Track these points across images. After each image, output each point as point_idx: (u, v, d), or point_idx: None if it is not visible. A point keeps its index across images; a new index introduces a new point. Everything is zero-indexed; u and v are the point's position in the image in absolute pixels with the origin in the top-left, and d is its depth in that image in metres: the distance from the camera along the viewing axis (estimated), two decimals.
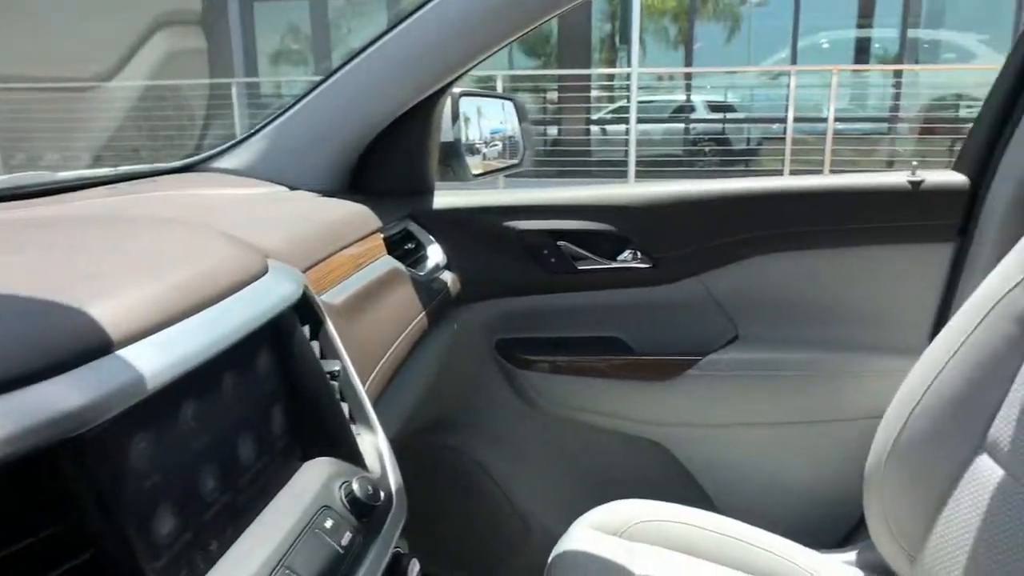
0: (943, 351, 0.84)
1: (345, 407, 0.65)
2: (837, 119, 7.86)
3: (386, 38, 1.04)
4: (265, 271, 0.61)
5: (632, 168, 8.08)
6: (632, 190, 1.26)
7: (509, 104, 1.38)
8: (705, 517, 1.01)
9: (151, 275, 0.52)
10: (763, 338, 1.26)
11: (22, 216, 0.76)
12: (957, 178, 1.19)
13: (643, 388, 1.28)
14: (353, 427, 0.65)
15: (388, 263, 0.98)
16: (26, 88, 8.02)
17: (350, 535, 0.54)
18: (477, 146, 1.27)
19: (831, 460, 1.27)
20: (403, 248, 1.11)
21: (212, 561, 0.47)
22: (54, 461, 0.38)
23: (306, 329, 0.65)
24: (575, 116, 9.66)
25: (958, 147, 1.27)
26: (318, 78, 1.10)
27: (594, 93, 9.75)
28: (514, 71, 10.34)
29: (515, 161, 1.36)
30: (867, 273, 1.22)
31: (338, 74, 1.07)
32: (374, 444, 0.65)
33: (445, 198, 1.26)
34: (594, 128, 9.83)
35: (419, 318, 1.02)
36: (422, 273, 1.10)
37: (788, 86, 7.82)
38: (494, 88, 7.58)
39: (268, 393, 0.59)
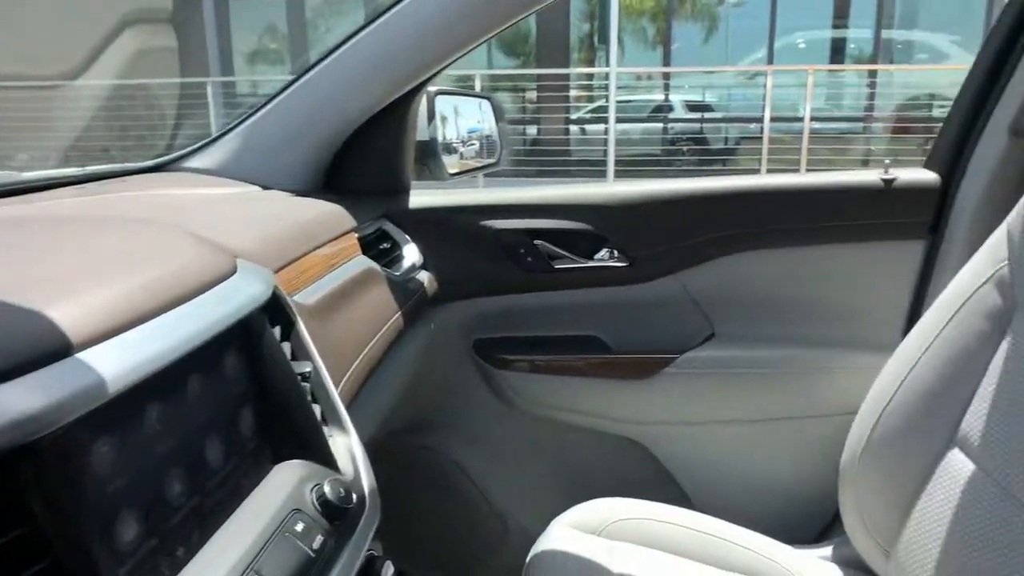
0: (915, 347, 0.85)
1: (317, 409, 0.64)
2: (813, 118, 7.95)
3: (360, 35, 1.03)
4: (234, 271, 0.60)
5: (611, 167, 8.11)
6: (608, 189, 1.27)
7: (486, 103, 1.37)
8: (683, 515, 1.01)
9: (114, 276, 0.51)
10: (739, 336, 1.26)
11: None
12: (928, 176, 1.21)
13: (621, 387, 1.28)
14: (325, 429, 0.64)
15: (363, 263, 0.97)
16: None
17: (321, 538, 0.53)
18: (455, 145, 1.26)
19: (807, 456, 1.28)
20: (378, 248, 1.10)
21: (179, 567, 0.46)
22: (11, 466, 0.37)
23: (277, 330, 0.64)
24: (554, 116, 9.68)
25: (930, 146, 1.28)
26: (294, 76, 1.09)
27: (573, 93, 9.78)
28: (493, 70, 10.34)
29: (492, 160, 1.35)
30: (841, 270, 1.23)
31: (312, 72, 1.06)
32: (347, 446, 0.65)
33: (421, 197, 1.25)
34: (573, 128, 9.85)
35: (395, 318, 1.02)
36: (398, 273, 1.09)
37: (765, 86, 7.90)
38: (473, 87, 7.57)
39: (237, 395, 0.58)
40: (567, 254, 1.25)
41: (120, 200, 0.89)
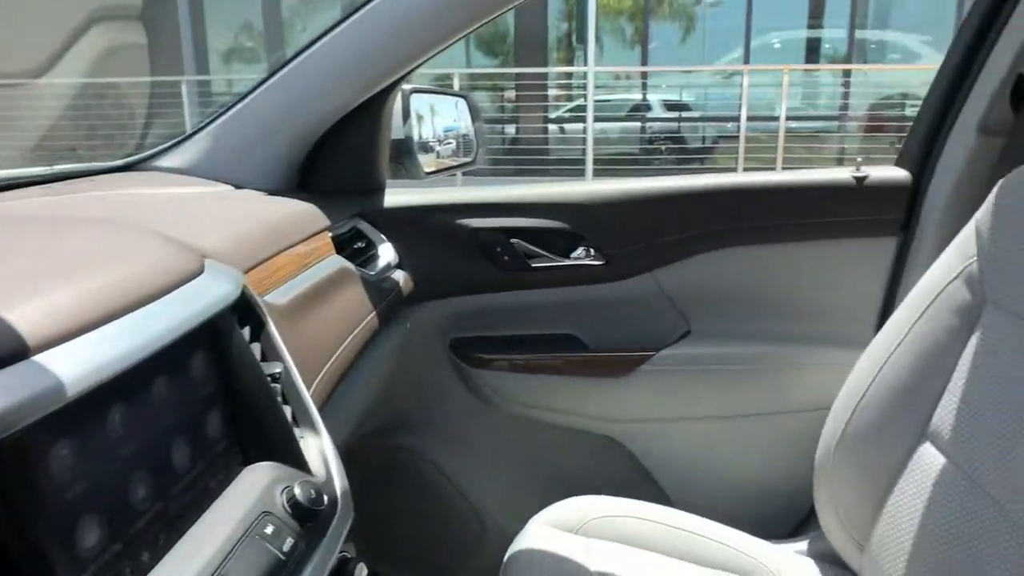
0: (887, 343, 0.86)
1: (288, 410, 0.64)
2: (789, 117, 8.03)
3: (334, 32, 1.02)
4: (201, 271, 0.59)
5: (590, 166, 8.14)
6: (584, 187, 1.27)
7: (462, 102, 1.37)
8: (660, 512, 1.01)
9: (76, 276, 0.49)
10: (715, 333, 1.27)
11: None
12: (900, 174, 1.22)
13: (598, 384, 1.28)
14: (297, 430, 0.63)
15: (336, 262, 0.96)
16: None
17: (292, 541, 0.52)
18: (431, 144, 1.25)
19: (783, 452, 1.29)
20: (353, 247, 1.09)
21: (143, 572, 0.45)
22: None
23: (247, 331, 0.63)
24: (533, 114, 9.69)
25: (902, 144, 1.30)
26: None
27: (552, 92, 9.79)
28: (472, 69, 10.33)
29: (468, 159, 1.35)
30: (814, 267, 1.24)
31: (285, 69, 1.05)
32: (319, 447, 0.64)
33: (396, 196, 1.24)
34: (552, 127, 9.87)
35: (369, 318, 1.01)
36: (373, 272, 1.09)
37: (741, 85, 7.97)
38: (452, 86, 7.55)
39: (205, 397, 0.57)
40: (543, 253, 1.25)
41: (86, 200, 0.87)
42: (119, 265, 0.53)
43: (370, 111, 1.10)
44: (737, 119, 8.08)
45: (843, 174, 1.22)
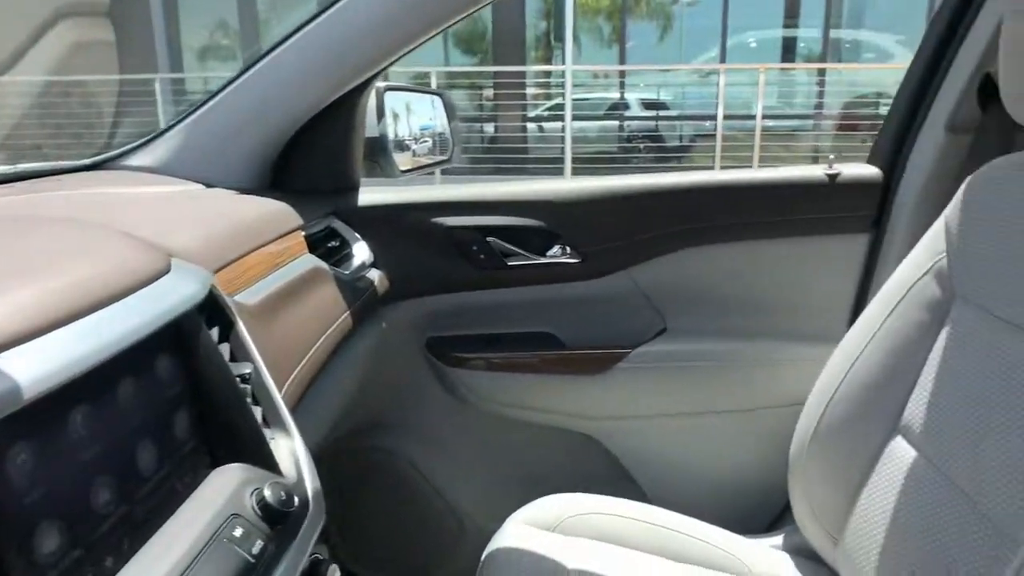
0: (859, 339, 0.87)
1: (259, 411, 0.63)
2: (765, 116, 8.10)
3: (307, 28, 1.01)
4: (167, 271, 0.58)
5: (568, 165, 8.15)
6: (560, 186, 1.27)
7: (438, 100, 1.36)
8: (637, 508, 1.02)
9: (36, 276, 0.48)
10: (690, 330, 1.28)
11: None
12: (871, 171, 1.23)
13: (574, 382, 1.28)
14: (267, 431, 0.62)
15: (309, 261, 0.95)
16: None
17: (262, 543, 0.52)
18: (406, 142, 1.24)
19: (758, 448, 1.30)
20: (327, 246, 1.08)
21: None
22: None
23: (215, 331, 0.62)
24: (511, 113, 9.68)
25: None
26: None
27: (530, 90, 9.78)
28: (450, 67, 10.29)
29: (444, 157, 1.34)
30: (788, 264, 1.25)
31: (257, 66, 1.03)
32: (290, 448, 0.63)
33: (371, 195, 1.23)
34: (530, 125, 9.87)
35: (343, 318, 1.00)
36: (347, 272, 1.08)
37: (718, 84, 8.02)
38: (429, 84, 7.52)
39: (171, 398, 0.56)
40: (520, 251, 1.25)
41: (51, 199, 0.86)
42: (83, 264, 0.52)
43: (344, 108, 1.09)
44: (714, 118, 8.14)
45: (816, 172, 1.23)
